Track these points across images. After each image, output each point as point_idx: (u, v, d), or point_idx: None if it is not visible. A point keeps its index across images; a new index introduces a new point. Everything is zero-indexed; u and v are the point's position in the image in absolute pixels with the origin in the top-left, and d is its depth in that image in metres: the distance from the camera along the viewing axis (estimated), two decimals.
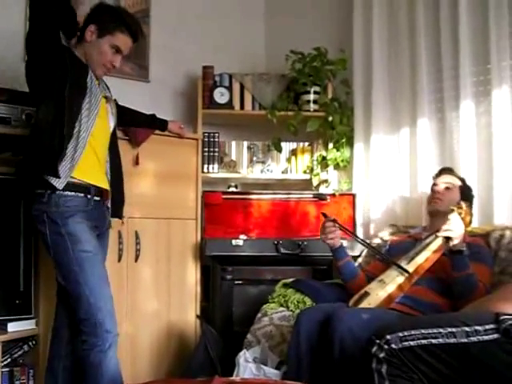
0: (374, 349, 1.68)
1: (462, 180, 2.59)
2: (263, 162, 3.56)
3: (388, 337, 1.67)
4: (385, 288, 2.23)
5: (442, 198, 2.50)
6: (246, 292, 3.11)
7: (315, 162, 3.46)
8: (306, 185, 3.50)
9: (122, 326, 2.24)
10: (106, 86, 2.45)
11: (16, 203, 2.60)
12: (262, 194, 3.33)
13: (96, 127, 2.23)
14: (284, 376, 2.24)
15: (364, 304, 2.23)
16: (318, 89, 3.42)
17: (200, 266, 3.11)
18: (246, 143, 3.58)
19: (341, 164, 3.38)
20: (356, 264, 2.77)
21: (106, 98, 2.36)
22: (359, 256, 2.98)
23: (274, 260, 3.08)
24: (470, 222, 2.45)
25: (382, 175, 3.22)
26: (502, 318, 1.63)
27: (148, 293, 2.92)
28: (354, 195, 3.31)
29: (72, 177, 2.15)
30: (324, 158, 3.43)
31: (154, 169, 2.95)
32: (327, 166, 3.42)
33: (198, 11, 3.75)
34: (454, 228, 2.12)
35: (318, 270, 3.12)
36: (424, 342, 1.64)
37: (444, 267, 2.24)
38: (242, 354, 2.40)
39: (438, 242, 2.19)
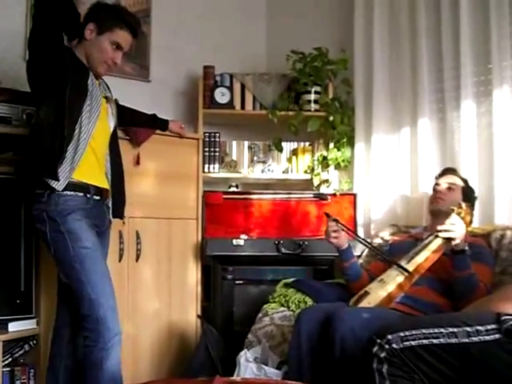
0: (375, 348, 1.68)
1: (465, 181, 2.59)
2: (264, 162, 3.56)
3: (389, 336, 1.67)
4: (385, 287, 2.23)
5: (444, 198, 2.50)
6: (247, 292, 3.11)
7: (316, 162, 3.46)
8: (306, 185, 3.50)
9: (122, 325, 2.23)
10: (107, 85, 2.45)
11: (17, 203, 2.60)
12: (262, 194, 3.33)
13: (96, 129, 2.23)
14: (285, 376, 2.24)
15: (364, 303, 2.23)
16: (318, 89, 3.42)
17: (201, 266, 3.11)
18: (246, 143, 3.58)
19: (341, 164, 3.38)
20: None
21: (106, 98, 2.36)
22: (360, 256, 2.98)
23: (274, 260, 3.08)
24: (471, 223, 2.45)
25: (382, 175, 3.22)
26: (503, 318, 1.63)
27: (149, 293, 2.92)
28: (354, 195, 3.31)
29: (71, 177, 2.15)
30: (325, 158, 3.43)
31: (154, 169, 2.95)
32: (328, 165, 3.42)
33: (198, 11, 3.75)
34: (455, 228, 2.12)
35: (319, 269, 3.12)
36: (425, 341, 1.64)
37: (445, 267, 2.24)
38: (242, 353, 2.40)
39: (438, 241, 2.19)
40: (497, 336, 1.60)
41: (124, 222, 2.66)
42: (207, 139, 3.40)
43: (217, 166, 3.44)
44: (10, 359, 2.63)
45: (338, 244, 2.49)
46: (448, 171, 2.63)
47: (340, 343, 1.98)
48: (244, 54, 3.80)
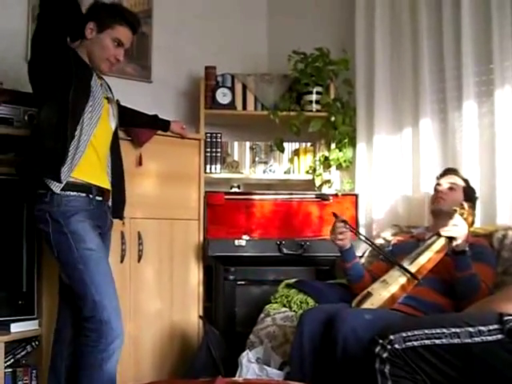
0: (377, 349, 1.68)
1: (466, 181, 2.59)
2: (265, 163, 3.56)
3: (391, 337, 1.67)
4: (388, 288, 2.23)
5: (445, 198, 2.50)
6: (249, 292, 3.11)
7: (318, 163, 3.46)
8: (308, 185, 3.50)
9: (124, 326, 2.23)
10: (108, 86, 2.46)
11: (19, 204, 2.60)
12: (264, 195, 3.33)
13: (97, 129, 2.23)
14: (287, 376, 2.24)
15: (367, 304, 2.22)
16: (320, 89, 3.42)
17: (202, 267, 3.11)
18: (248, 143, 3.58)
19: (343, 164, 3.38)
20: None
21: (107, 99, 2.36)
22: (362, 256, 2.98)
23: (276, 260, 3.08)
24: (473, 223, 2.45)
25: (384, 175, 3.22)
26: (505, 318, 1.63)
27: (151, 293, 2.92)
28: (356, 195, 3.31)
29: (73, 177, 2.16)
30: (326, 159, 3.42)
31: (156, 169, 2.95)
32: (330, 166, 3.42)
33: (200, 12, 3.75)
34: (457, 228, 2.12)
35: (321, 270, 3.12)
36: (427, 342, 1.64)
37: (447, 267, 2.24)
38: (244, 354, 2.40)
39: (441, 242, 2.19)
40: (499, 336, 1.60)
41: (124, 223, 2.66)
42: (209, 140, 3.40)
43: (218, 166, 3.44)
44: (12, 360, 2.63)
45: (341, 245, 2.48)
46: (449, 171, 2.63)
47: (342, 344, 1.98)
48: (245, 54, 3.80)
